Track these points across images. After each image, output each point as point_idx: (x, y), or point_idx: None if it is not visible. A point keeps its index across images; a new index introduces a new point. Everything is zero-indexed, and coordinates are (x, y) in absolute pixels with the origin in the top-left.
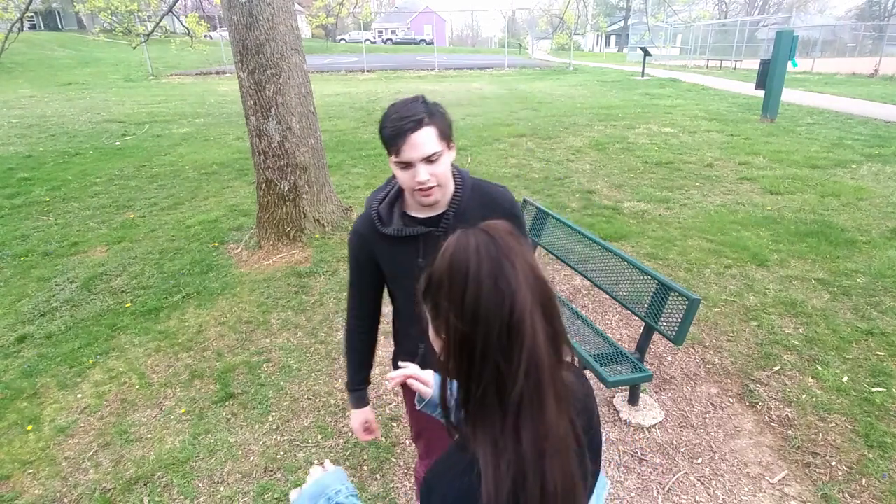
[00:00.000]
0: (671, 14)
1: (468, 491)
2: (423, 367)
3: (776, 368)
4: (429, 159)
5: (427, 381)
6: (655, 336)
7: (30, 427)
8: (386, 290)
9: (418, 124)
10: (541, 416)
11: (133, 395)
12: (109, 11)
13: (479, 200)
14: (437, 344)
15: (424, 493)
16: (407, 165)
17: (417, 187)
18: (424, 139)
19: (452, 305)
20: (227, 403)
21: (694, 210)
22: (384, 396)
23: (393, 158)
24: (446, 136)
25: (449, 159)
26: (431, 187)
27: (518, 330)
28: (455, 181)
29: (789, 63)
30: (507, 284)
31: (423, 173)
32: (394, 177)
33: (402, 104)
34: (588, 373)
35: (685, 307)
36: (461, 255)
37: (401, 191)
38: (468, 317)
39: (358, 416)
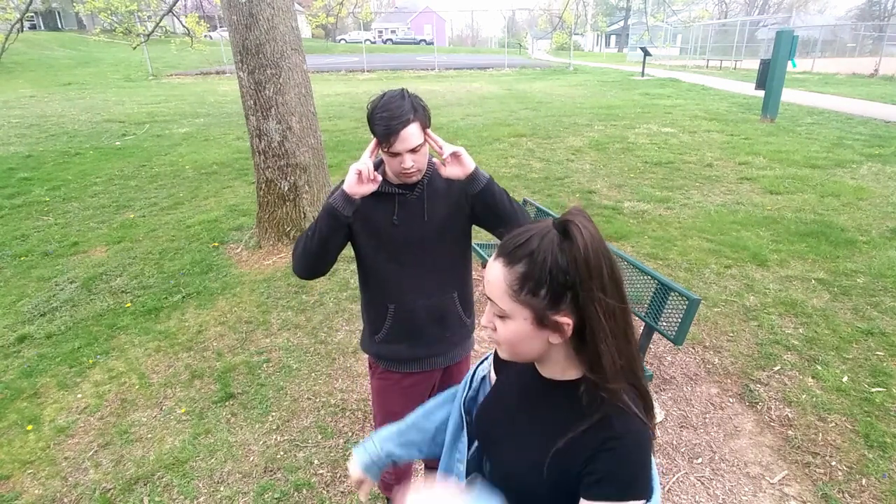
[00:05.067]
0: (671, 14)
1: (642, 433)
2: (392, 327)
3: (776, 368)
4: (413, 150)
5: None
6: (655, 336)
7: (30, 427)
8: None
9: (406, 123)
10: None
11: (133, 395)
12: (109, 11)
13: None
14: (557, 327)
15: (634, 460)
16: (395, 155)
17: (402, 171)
18: (411, 134)
19: (601, 286)
20: (227, 403)
21: (694, 210)
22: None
23: (384, 149)
24: (427, 126)
25: (427, 147)
26: (413, 171)
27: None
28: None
29: (789, 63)
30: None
31: (409, 161)
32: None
33: (389, 101)
34: None
35: (685, 307)
36: (594, 244)
37: (381, 161)
38: (616, 290)
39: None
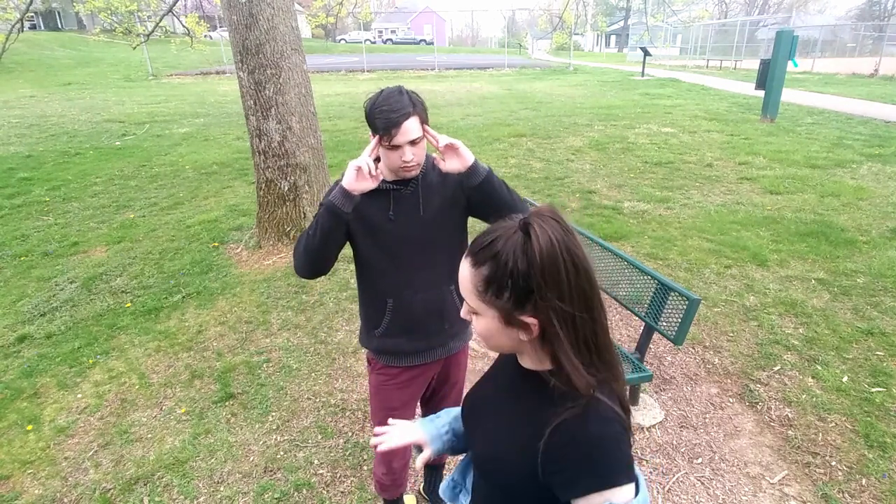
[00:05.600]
0: (671, 14)
1: (612, 420)
2: (391, 321)
3: (776, 368)
4: (413, 142)
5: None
6: (655, 336)
7: (30, 427)
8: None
9: (406, 116)
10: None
11: (133, 395)
12: (109, 11)
13: (439, 169)
14: (524, 326)
15: (609, 447)
16: (395, 148)
17: (403, 165)
18: (411, 126)
19: (559, 294)
20: (227, 403)
21: (694, 210)
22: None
23: (385, 143)
24: (425, 121)
25: (425, 140)
26: (413, 165)
27: (598, 291)
28: None
29: (790, 63)
30: (585, 264)
31: (409, 154)
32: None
33: (388, 97)
34: None
35: (685, 307)
36: (552, 250)
37: (375, 159)
38: (579, 298)
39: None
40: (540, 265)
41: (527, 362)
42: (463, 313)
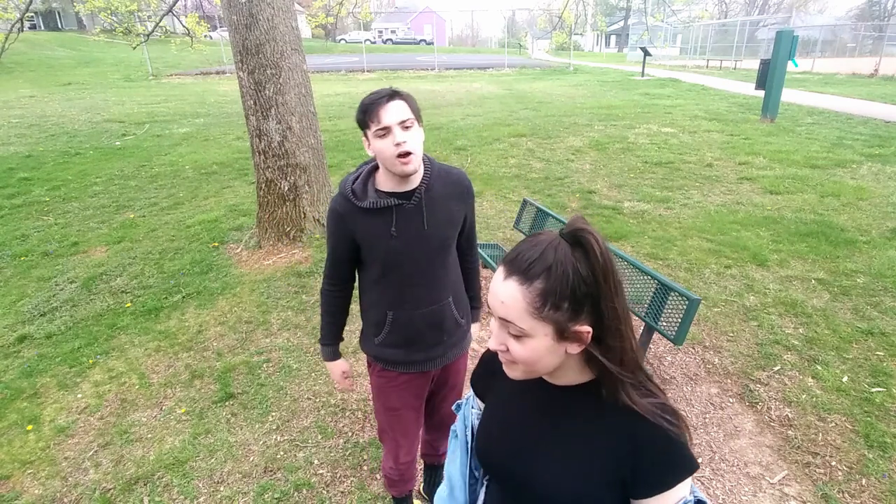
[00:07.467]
0: (671, 14)
1: (668, 407)
2: (391, 332)
3: (776, 368)
4: (404, 124)
5: None
6: (655, 336)
7: (30, 427)
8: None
9: (390, 97)
10: None
11: (133, 395)
12: (109, 11)
13: (443, 180)
14: (577, 337)
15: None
16: (385, 132)
17: (398, 152)
18: (398, 107)
19: (616, 290)
20: (227, 403)
21: (694, 210)
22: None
23: (372, 128)
24: (416, 113)
25: (420, 135)
26: (409, 153)
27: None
28: (424, 163)
29: (790, 63)
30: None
31: (400, 135)
32: (365, 163)
33: (373, 91)
34: None
35: (685, 307)
36: (606, 252)
37: (372, 170)
38: (621, 289)
39: (336, 367)
40: (602, 267)
41: (564, 379)
42: (495, 344)
